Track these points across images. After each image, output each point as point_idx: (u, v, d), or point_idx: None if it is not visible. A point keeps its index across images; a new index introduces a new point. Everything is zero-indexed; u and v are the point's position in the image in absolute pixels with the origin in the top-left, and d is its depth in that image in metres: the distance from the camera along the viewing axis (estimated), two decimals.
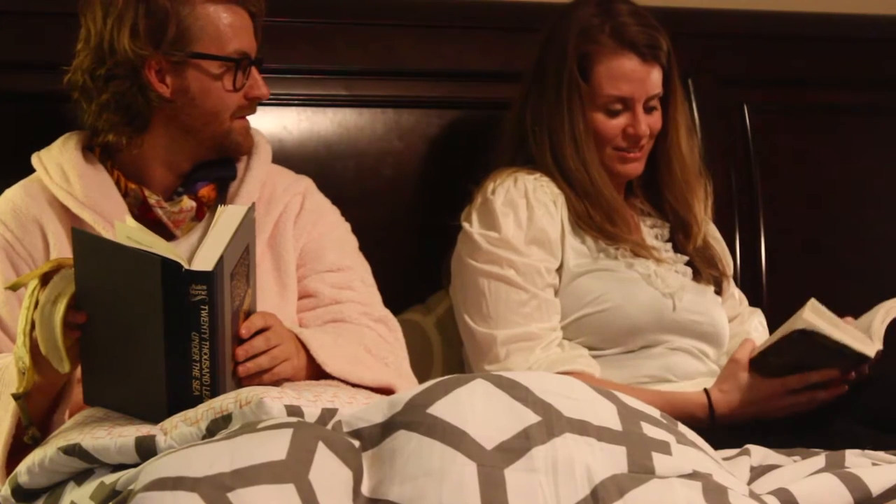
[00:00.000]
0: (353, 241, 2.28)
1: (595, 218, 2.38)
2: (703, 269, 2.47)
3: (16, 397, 1.84)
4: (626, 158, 2.41)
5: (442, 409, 1.58)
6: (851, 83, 2.98)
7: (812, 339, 2.15)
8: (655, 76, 2.38)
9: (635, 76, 2.37)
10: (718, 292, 2.50)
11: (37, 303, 1.78)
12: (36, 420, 1.88)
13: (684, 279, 2.43)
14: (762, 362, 2.25)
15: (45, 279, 1.79)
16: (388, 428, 1.59)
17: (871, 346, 2.18)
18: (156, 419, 1.75)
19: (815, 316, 2.14)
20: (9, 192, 2.16)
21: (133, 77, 2.05)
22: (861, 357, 2.18)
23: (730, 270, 2.57)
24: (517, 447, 1.56)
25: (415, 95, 2.67)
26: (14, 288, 1.83)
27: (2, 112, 2.42)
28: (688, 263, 2.46)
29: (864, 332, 2.20)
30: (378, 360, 2.10)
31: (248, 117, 2.16)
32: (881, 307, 2.25)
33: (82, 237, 1.78)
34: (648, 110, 2.40)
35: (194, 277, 1.73)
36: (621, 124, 2.39)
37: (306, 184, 2.27)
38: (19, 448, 1.88)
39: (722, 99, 2.88)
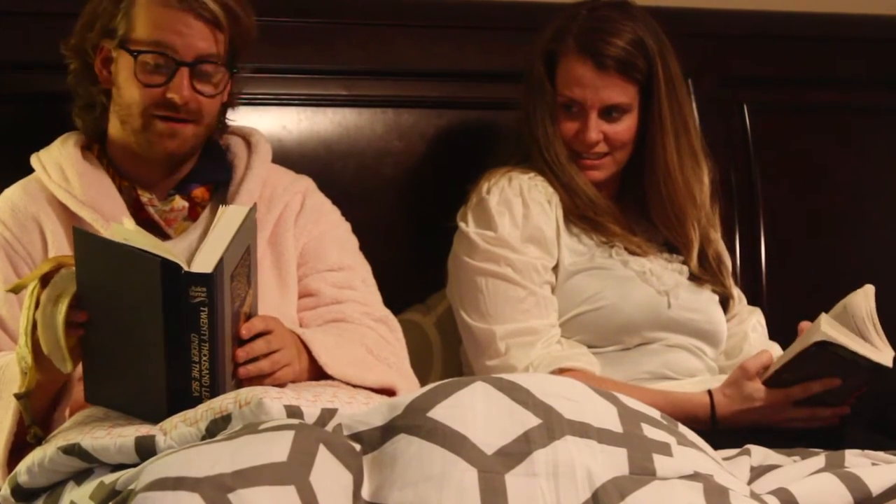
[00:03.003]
0: (353, 241, 2.28)
1: (581, 208, 2.39)
2: (708, 281, 2.46)
3: (18, 397, 1.84)
4: (583, 164, 2.41)
5: (442, 412, 1.59)
6: (851, 83, 2.98)
7: (828, 353, 2.13)
8: (615, 88, 2.36)
9: (586, 82, 2.36)
10: (724, 305, 2.49)
11: (38, 302, 1.78)
12: (37, 418, 1.88)
13: (680, 278, 2.43)
14: (776, 380, 2.23)
15: (44, 279, 1.79)
16: (388, 431, 1.59)
17: (886, 356, 2.16)
18: (155, 419, 1.75)
19: (831, 329, 2.13)
20: (7, 191, 2.17)
21: (82, 62, 2.11)
22: (877, 367, 2.16)
23: (731, 282, 2.56)
24: (518, 451, 1.56)
25: (414, 95, 2.67)
26: (16, 290, 1.83)
27: (2, 112, 2.42)
28: (685, 262, 2.46)
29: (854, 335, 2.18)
30: (380, 361, 2.10)
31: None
32: (852, 310, 2.20)
33: (83, 236, 1.78)
34: (610, 120, 2.38)
35: (194, 279, 1.72)
36: (575, 127, 2.39)
37: (307, 183, 2.27)
38: (20, 447, 1.89)
39: (722, 99, 2.87)
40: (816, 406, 2.23)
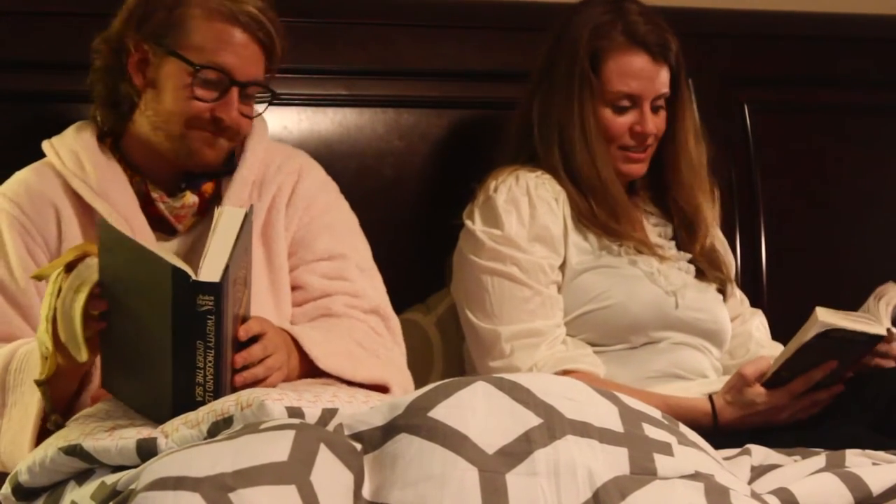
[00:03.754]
0: (349, 222, 2.25)
1: (599, 216, 2.39)
2: (708, 270, 2.47)
3: (38, 383, 1.85)
4: (630, 158, 2.42)
5: (443, 412, 1.58)
6: (852, 83, 2.98)
7: (828, 340, 2.15)
8: (664, 76, 2.40)
9: (644, 74, 2.38)
10: (722, 294, 2.50)
11: (59, 290, 1.79)
12: (60, 403, 1.89)
13: (687, 277, 2.43)
14: (775, 381, 2.24)
15: (69, 267, 1.80)
16: (389, 431, 1.59)
17: (881, 326, 2.18)
18: (161, 419, 1.75)
19: (828, 316, 2.14)
20: (19, 174, 2.15)
21: (115, 58, 2.08)
22: (873, 338, 2.18)
23: (732, 274, 2.57)
24: (519, 451, 1.56)
25: (415, 95, 2.67)
26: (39, 278, 1.83)
27: (2, 112, 2.42)
28: (691, 261, 2.46)
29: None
30: (370, 354, 2.09)
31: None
32: (876, 299, 2.24)
33: (107, 229, 1.78)
34: (655, 110, 2.41)
35: (201, 288, 1.72)
36: (628, 122, 2.40)
37: (301, 160, 2.25)
38: (43, 434, 1.89)
39: (723, 99, 2.88)
40: (814, 392, 2.24)
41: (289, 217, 2.18)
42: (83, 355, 1.79)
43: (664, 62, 2.39)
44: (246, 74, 2.08)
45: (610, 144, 2.40)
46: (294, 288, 2.16)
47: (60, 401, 1.90)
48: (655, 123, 2.40)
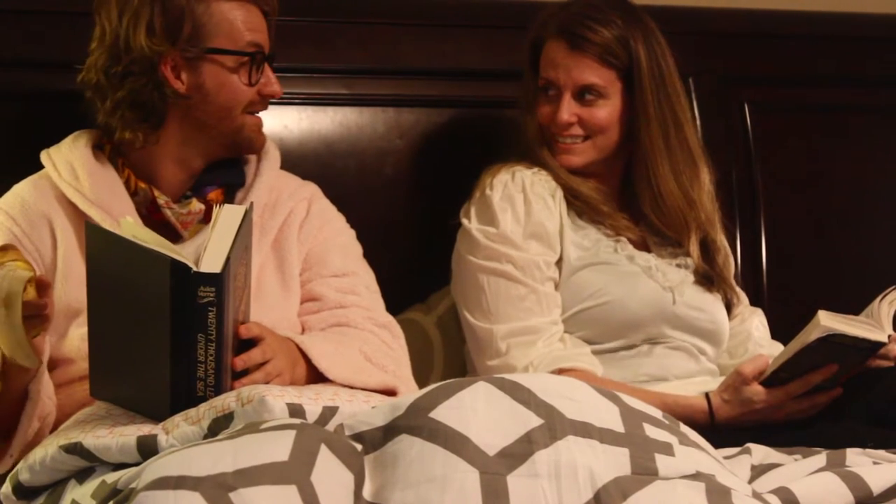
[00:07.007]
0: (357, 248, 2.28)
1: (582, 199, 2.39)
2: (712, 285, 2.46)
3: None
4: (558, 148, 2.41)
5: (444, 413, 1.59)
6: (852, 83, 2.98)
7: (829, 344, 2.15)
8: (587, 69, 2.37)
9: (560, 61, 2.38)
10: (727, 308, 2.49)
11: None
12: (4, 423, 1.87)
13: (685, 275, 2.43)
14: (773, 380, 2.24)
15: None
16: (389, 432, 1.60)
17: (882, 333, 2.19)
18: (159, 418, 1.76)
19: (830, 321, 2.15)
20: (17, 187, 2.16)
21: (149, 74, 2.06)
22: (875, 345, 2.18)
23: (732, 280, 2.55)
24: (520, 452, 1.56)
25: (415, 94, 2.67)
26: None
27: (2, 112, 2.42)
28: (694, 270, 2.45)
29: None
30: (378, 369, 2.09)
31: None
32: (881, 299, 2.25)
33: (95, 231, 1.78)
34: (585, 103, 2.39)
35: (203, 279, 1.73)
36: (550, 110, 2.40)
37: (312, 189, 2.28)
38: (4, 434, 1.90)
39: (723, 98, 2.88)
40: (813, 395, 2.24)
41: (304, 233, 2.20)
42: (35, 361, 1.78)
43: (592, 56, 2.36)
44: (268, 45, 2.13)
45: (546, 133, 2.41)
46: (310, 299, 2.18)
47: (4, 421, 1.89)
48: (583, 115, 2.38)
